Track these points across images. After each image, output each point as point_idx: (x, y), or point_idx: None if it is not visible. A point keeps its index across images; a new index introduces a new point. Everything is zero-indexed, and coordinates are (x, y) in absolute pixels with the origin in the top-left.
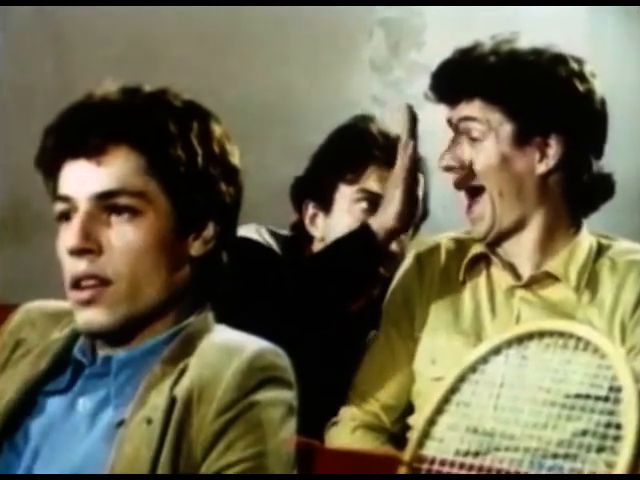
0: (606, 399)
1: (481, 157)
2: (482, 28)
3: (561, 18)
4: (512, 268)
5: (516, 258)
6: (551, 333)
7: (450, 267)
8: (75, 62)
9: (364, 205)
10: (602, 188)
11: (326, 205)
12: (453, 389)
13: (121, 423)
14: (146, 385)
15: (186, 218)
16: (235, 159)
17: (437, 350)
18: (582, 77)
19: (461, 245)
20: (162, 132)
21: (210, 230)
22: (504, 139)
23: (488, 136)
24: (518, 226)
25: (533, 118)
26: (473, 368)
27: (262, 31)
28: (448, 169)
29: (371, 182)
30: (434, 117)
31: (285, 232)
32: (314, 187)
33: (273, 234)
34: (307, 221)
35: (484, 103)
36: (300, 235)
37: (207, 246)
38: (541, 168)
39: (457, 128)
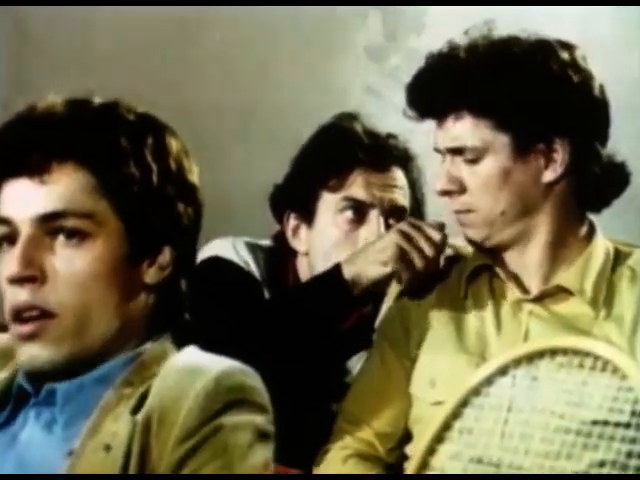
0: (627, 425)
1: (480, 179)
2: (487, 8)
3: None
4: (518, 280)
5: (522, 269)
6: (565, 351)
7: (449, 279)
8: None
9: (349, 215)
10: (614, 179)
11: (309, 216)
12: (455, 414)
13: (71, 453)
14: (99, 412)
15: (140, 242)
16: (194, 176)
17: (437, 371)
18: (575, 66)
19: (460, 254)
20: (113, 148)
21: (166, 255)
22: (503, 153)
23: (485, 155)
24: (523, 237)
25: (531, 124)
26: (477, 391)
27: (245, 13)
28: (445, 194)
29: (356, 188)
30: None
31: (267, 243)
32: (295, 196)
33: (252, 248)
34: (289, 234)
35: (474, 118)
36: (283, 247)
37: (163, 273)
38: (548, 176)
39: (450, 151)
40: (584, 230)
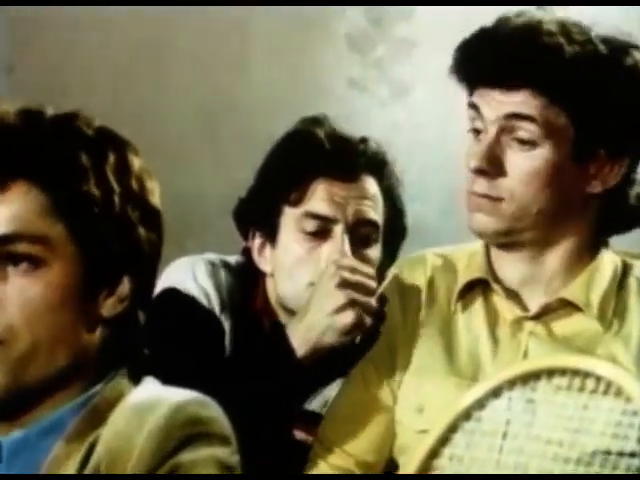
0: (632, 455)
1: (529, 166)
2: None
3: None
4: (517, 297)
5: (526, 287)
6: (563, 371)
7: (439, 292)
8: None
9: (311, 230)
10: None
11: (272, 233)
12: (443, 440)
13: None
14: (47, 469)
15: (98, 271)
16: (155, 198)
17: (425, 395)
18: None
19: (452, 264)
20: (70, 165)
21: (125, 286)
22: (564, 147)
23: (544, 141)
24: (541, 244)
25: (604, 128)
26: (467, 414)
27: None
28: (480, 172)
29: (318, 202)
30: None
31: (235, 258)
32: (257, 212)
33: (214, 271)
34: (255, 253)
35: (546, 96)
36: (251, 263)
37: (121, 305)
38: (596, 187)
39: (499, 124)
40: (596, 247)
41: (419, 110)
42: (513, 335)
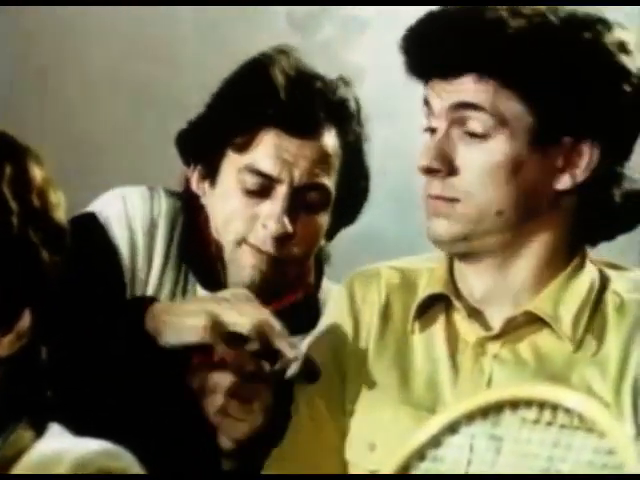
0: None
1: (483, 161)
2: None
3: None
4: (481, 316)
5: (490, 302)
6: (528, 403)
7: (395, 311)
8: None
9: (251, 187)
10: (631, 209)
11: (212, 173)
12: None
13: None
14: None
15: None
16: (60, 213)
17: (377, 430)
18: (631, 54)
19: (411, 279)
20: None
21: (26, 320)
22: (521, 137)
23: (498, 132)
24: (508, 251)
25: (566, 110)
26: (420, 454)
27: None
28: (430, 172)
29: (262, 157)
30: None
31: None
32: (200, 146)
33: (151, 194)
34: (194, 184)
35: (498, 83)
36: (191, 195)
37: (20, 342)
38: (564, 182)
39: (448, 117)
40: (571, 257)
41: (373, 101)
42: (475, 360)
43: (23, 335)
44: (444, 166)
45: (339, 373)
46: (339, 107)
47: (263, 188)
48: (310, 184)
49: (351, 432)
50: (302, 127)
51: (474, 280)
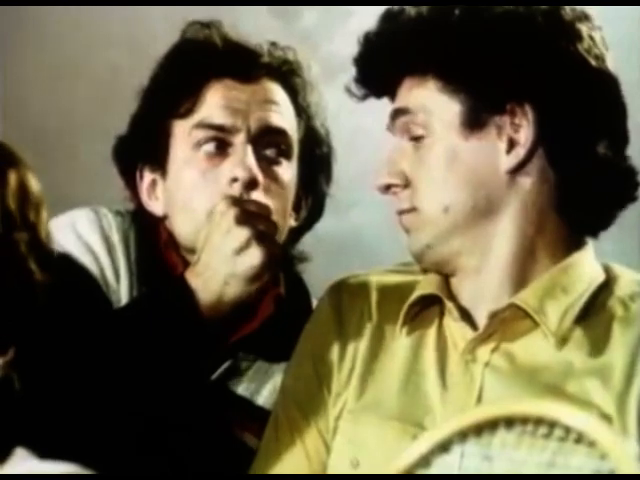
0: None
1: (422, 163)
2: None
3: None
4: (471, 318)
5: (473, 301)
6: (524, 420)
7: (384, 317)
8: None
9: (209, 148)
10: (616, 184)
11: (162, 162)
12: None
13: None
14: None
15: None
16: (49, 226)
17: (361, 445)
18: (550, 12)
19: (401, 287)
20: None
21: (9, 355)
22: (451, 127)
23: (430, 127)
24: (478, 250)
25: (484, 82)
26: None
27: None
28: (386, 189)
29: (212, 109)
30: None
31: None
32: (142, 139)
33: (97, 218)
34: (144, 195)
35: (419, 78)
36: (143, 212)
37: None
38: (509, 161)
39: (395, 127)
40: (569, 249)
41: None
42: (466, 368)
43: (4, 368)
44: (399, 179)
45: (321, 383)
46: (283, 60)
47: (220, 145)
48: (267, 127)
49: (335, 446)
50: (246, 71)
51: (458, 286)
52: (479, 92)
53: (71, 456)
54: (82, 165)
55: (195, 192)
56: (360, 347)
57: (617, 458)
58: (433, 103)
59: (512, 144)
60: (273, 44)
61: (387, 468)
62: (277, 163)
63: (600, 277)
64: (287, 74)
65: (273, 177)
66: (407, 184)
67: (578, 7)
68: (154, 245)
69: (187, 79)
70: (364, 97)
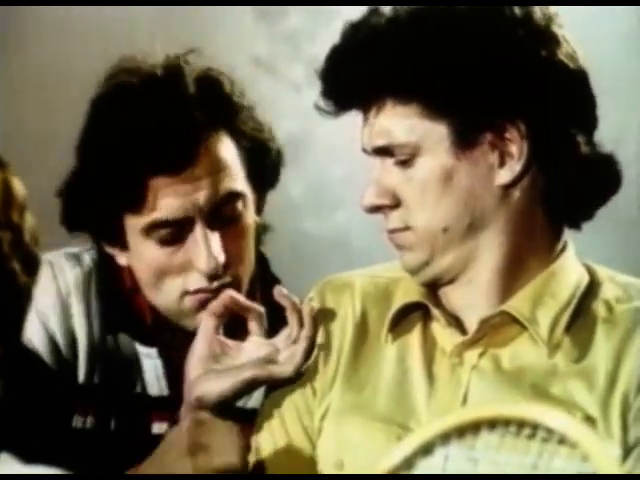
0: None
1: (415, 185)
2: None
3: None
4: (459, 323)
5: (465, 306)
6: (506, 422)
7: (369, 322)
8: None
9: (166, 238)
10: (599, 178)
11: (120, 240)
12: None
13: None
14: None
15: None
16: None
17: (346, 447)
18: (530, 24)
19: (386, 288)
20: None
21: None
22: (440, 149)
23: (419, 153)
24: (469, 261)
25: (471, 105)
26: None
27: None
28: (375, 210)
29: (163, 208)
30: None
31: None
32: (94, 223)
33: (53, 272)
34: (105, 247)
35: (399, 105)
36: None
37: None
38: (504, 177)
39: (377, 153)
40: (551, 247)
41: None
42: (452, 371)
43: None
44: (388, 199)
45: (305, 385)
46: (228, 105)
47: (178, 233)
48: (220, 201)
49: (320, 448)
50: (185, 162)
51: (449, 294)
52: (465, 114)
53: (56, 460)
54: None
55: (163, 276)
56: (344, 348)
57: (598, 460)
58: (419, 127)
59: (504, 158)
60: (204, 72)
61: (371, 470)
62: (236, 221)
63: (584, 279)
64: (230, 121)
65: (235, 232)
66: (397, 204)
67: (544, 7)
68: (119, 292)
69: (129, 179)
70: (336, 113)
